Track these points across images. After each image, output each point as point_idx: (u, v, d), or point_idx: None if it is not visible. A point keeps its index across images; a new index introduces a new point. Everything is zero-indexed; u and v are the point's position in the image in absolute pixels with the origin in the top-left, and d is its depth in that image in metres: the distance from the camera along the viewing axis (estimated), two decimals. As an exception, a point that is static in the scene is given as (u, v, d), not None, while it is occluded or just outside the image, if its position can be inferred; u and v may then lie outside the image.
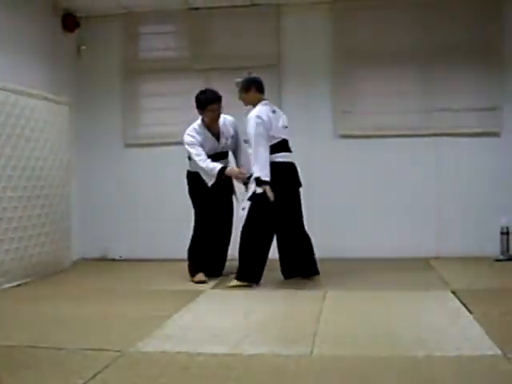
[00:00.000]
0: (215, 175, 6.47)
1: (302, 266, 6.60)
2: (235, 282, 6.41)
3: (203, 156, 6.53)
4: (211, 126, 6.76)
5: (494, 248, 7.77)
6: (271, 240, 6.48)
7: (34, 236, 7.04)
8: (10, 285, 6.56)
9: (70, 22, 8.24)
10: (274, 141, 6.35)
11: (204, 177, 6.58)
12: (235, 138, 6.94)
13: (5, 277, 6.51)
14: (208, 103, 6.66)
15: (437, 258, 7.79)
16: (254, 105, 6.50)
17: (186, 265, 6.86)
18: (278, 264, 6.61)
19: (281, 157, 6.38)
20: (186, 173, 6.91)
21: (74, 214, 7.99)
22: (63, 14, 8.18)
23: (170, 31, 8.78)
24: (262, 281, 6.41)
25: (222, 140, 6.82)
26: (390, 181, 8.03)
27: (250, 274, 6.43)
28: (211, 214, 6.83)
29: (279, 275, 6.57)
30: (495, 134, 7.96)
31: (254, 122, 6.28)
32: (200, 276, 6.74)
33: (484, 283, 6.40)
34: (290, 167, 6.47)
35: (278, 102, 7.63)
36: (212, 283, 6.61)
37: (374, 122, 8.11)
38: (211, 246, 6.92)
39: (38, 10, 7.68)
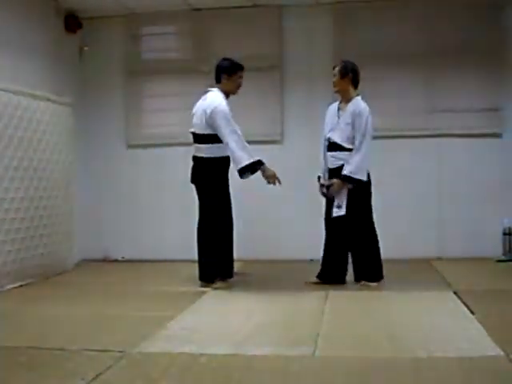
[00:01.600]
0: (248, 163, 6.14)
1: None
2: (372, 284, 6.36)
3: (240, 135, 6.19)
4: (233, 94, 6.55)
5: (496, 249, 7.78)
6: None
7: (36, 237, 7.05)
8: (12, 286, 6.57)
9: (72, 23, 8.25)
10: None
11: (233, 160, 6.24)
12: None
13: (7, 278, 6.51)
14: (238, 68, 6.53)
15: (439, 259, 7.80)
16: (343, 95, 6.44)
17: (189, 265, 6.82)
18: (276, 264, 6.61)
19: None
20: (196, 160, 6.57)
21: (76, 215, 7.99)
22: (66, 15, 8.19)
23: (172, 32, 8.82)
24: (264, 281, 6.40)
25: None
26: (392, 181, 8.02)
27: (380, 270, 6.44)
28: (227, 207, 6.56)
29: (280, 276, 6.56)
30: (497, 135, 7.97)
31: (368, 119, 6.30)
32: (222, 284, 6.45)
33: (486, 284, 6.41)
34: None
35: (281, 103, 7.65)
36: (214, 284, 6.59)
37: (375, 122, 8.05)
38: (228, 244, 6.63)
39: (41, 12, 7.69)
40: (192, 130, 6.53)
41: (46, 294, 6.39)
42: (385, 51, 8.10)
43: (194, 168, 6.56)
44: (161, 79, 8.64)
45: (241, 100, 6.75)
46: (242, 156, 6.14)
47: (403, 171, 8.07)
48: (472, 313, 5.06)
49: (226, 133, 6.16)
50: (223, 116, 6.20)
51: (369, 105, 7.97)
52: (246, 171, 6.17)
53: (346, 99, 6.39)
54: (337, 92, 6.49)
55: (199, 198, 6.56)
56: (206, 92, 6.55)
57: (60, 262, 7.57)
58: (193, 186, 6.56)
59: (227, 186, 6.55)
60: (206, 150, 6.41)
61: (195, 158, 6.55)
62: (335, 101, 6.61)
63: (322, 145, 6.55)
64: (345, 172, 6.18)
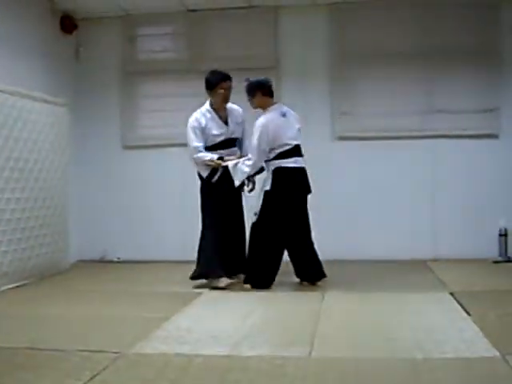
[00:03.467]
0: (206, 166, 6.47)
1: (307, 271, 6.54)
2: (245, 286, 6.40)
3: (196, 144, 6.52)
4: (220, 108, 6.65)
5: (492, 250, 7.79)
6: (281, 245, 6.41)
7: (32, 238, 7.04)
8: (9, 286, 6.56)
9: (68, 23, 8.25)
10: (286, 147, 6.31)
11: (198, 168, 6.56)
12: (241, 126, 6.83)
13: (3, 279, 6.51)
14: (219, 81, 6.56)
15: (435, 260, 7.80)
16: (263, 108, 6.45)
17: (185, 266, 6.82)
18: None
19: (291, 162, 6.31)
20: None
21: (72, 215, 7.99)
22: (61, 15, 8.20)
23: (168, 33, 8.81)
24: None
25: (230, 124, 6.69)
26: (389, 182, 8.04)
27: (259, 279, 6.39)
28: (221, 210, 6.62)
29: (278, 277, 6.56)
30: (494, 136, 7.98)
31: (261, 131, 6.27)
32: (225, 280, 6.49)
33: (482, 285, 6.41)
34: (300, 173, 6.40)
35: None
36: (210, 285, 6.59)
37: (372, 123, 8.12)
38: (229, 244, 6.68)
39: (36, 12, 7.69)
40: None
41: (42, 295, 6.38)
42: (381, 52, 8.10)
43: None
44: (157, 80, 8.64)
45: (236, 101, 6.74)
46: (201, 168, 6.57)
47: (400, 172, 8.07)
48: (468, 314, 5.06)
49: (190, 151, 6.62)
50: (188, 130, 6.59)
51: (365, 106, 8.03)
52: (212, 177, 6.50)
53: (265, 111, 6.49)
54: (256, 109, 6.55)
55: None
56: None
57: (56, 262, 7.56)
58: (191, 188, 6.62)
59: (227, 192, 6.58)
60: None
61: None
62: (330, 103, 6.60)
63: None
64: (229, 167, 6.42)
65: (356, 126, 8.11)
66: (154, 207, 8.47)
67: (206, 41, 8.47)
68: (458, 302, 5.47)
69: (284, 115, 6.41)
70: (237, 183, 6.35)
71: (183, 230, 7.11)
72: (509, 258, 7.72)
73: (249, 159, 6.31)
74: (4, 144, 6.59)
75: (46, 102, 7.41)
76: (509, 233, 7.81)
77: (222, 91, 6.58)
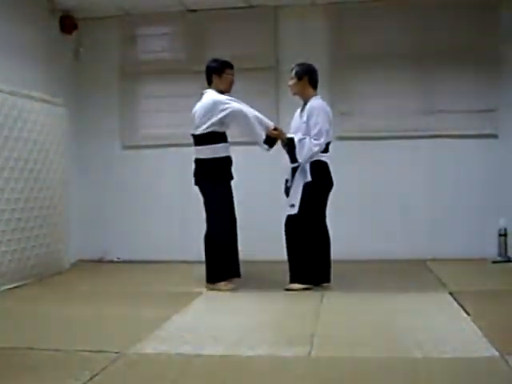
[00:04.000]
0: (267, 127, 6.30)
1: (320, 271, 6.44)
2: (297, 286, 6.27)
3: (250, 108, 6.33)
4: (228, 92, 6.59)
5: (491, 250, 7.80)
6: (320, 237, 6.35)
7: (32, 238, 7.04)
8: (8, 286, 6.56)
9: (67, 23, 8.25)
10: (328, 140, 6.30)
11: (256, 130, 6.30)
12: None
13: (2, 278, 6.51)
14: (226, 66, 6.56)
15: (434, 260, 7.80)
16: (304, 96, 6.42)
17: (185, 266, 6.82)
18: (276, 265, 6.60)
19: (326, 157, 6.30)
20: (197, 162, 6.53)
21: (72, 215, 7.99)
22: (61, 15, 8.19)
23: (168, 33, 8.81)
24: (260, 282, 6.40)
25: None
26: (388, 182, 8.05)
27: (310, 275, 6.30)
28: (231, 207, 6.56)
29: (278, 277, 6.56)
30: (493, 136, 7.98)
31: (324, 115, 6.24)
32: (228, 284, 6.44)
33: (481, 285, 6.41)
34: (329, 169, 6.37)
35: (276, 104, 7.66)
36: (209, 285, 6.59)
37: (372, 123, 8.12)
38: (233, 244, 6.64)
39: (36, 12, 7.69)
40: (192, 132, 6.53)
41: (42, 295, 6.38)
42: (380, 52, 8.11)
43: (195, 170, 6.55)
44: (156, 80, 8.64)
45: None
46: (259, 123, 6.29)
47: (399, 172, 8.08)
48: (467, 313, 5.06)
49: (235, 112, 6.30)
50: (225, 102, 6.32)
51: (364, 106, 8.03)
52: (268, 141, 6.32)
53: (306, 100, 6.41)
54: (295, 95, 6.50)
55: (204, 201, 6.53)
56: (201, 94, 6.55)
57: (56, 262, 7.56)
58: (191, 188, 6.56)
59: (229, 186, 6.54)
60: (206, 151, 6.41)
61: (196, 160, 6.53)
62: (330, 103, 6.60)
63: None
64: (296, 140, 6.23)
65: (356, 126, 8.12)
66: (154, 207, 8.47)
67: (206, 41, 8.47)
68: (458, 302, 5.47)
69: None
70: (301, 160, 6.20)
71: (183, 229, 7.11)
72: (508, 257, 7.72)
73: (316, 138, 6.18)
74: (4, 144, 6.59)
75: (45, 102, 7.42)
76: (508, 233, 7.81)
77: (230, 76, 6.58)
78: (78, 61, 8.60)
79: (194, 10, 8.37)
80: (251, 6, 8.23)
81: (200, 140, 6.44)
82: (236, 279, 6.51)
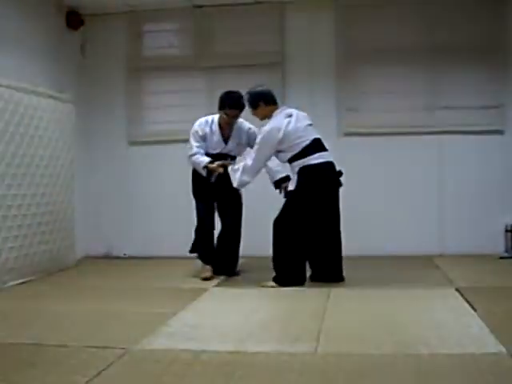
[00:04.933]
0: (203, 170, 6.55)
1: (328, 270, 6.49)
2: (271, 284, 6.31)
3: (196, 149, 6.60)
4: (224, 127, 6.71)
5: (498, 245, 7.79)
6: (305, 240, 6.32)
7: (38, 234, 7.05)
8: (15, 282, 6.57)
9: (74, 19, 8.26)
10: (303, 144, 6.23)
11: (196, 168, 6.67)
12: (244, 147, 6.87)
13: (9, 275, 6.52)
14: (227, 106, 6.59)
15: (441, 256, 7.79)
16: (269, 117, 6.41)
17: (191, 262, 6.84)
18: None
19: (315, 158, 6.22)
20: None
21: (78, 211, 8.00)
22: (67, 11, 8.20)
23: (174, 29, 8.83)
24: (266, 279, 6.40)
25: (230, 144, 6.76)
26: (394, 178, 8.04)
27: (286, 277, 6.30)
28: (211, 206, 6.86)
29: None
30: (499, 132, 7.97)
31: (262, 138, 6.28)
32: (205, 272, 6.74)
33: (488, 281, 6.40)
34: (326, 167, 6.29)
35: (282, 100, 7.63)
36: (216, 281, 6.59)
37: (377, 119, 8.11)
38: (222, 243, 6.96)
39: (42, 8, 7.69)
40: None
41: (48, 291, 6.39)
42: (386, 48, 8.10)
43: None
44: (162, 76, 8.65)
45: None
46: (198, 167, 6.68)
47: (405, 168, 8.07)
48: (474, 310, 5.05)
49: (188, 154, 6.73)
50: (191, 133, 6.73)
51: (370, 102, 8.03)
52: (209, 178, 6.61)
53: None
54: (263, 120, 6.51)
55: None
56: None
57: (62, 258, 7.57)
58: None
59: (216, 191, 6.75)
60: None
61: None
62: (336, 100, 6.59)
63: None
64: (229, 167, 6.50)
65: (362, 122, 8.10)
66: (161, 203, 8.47)
67: (212, 37, 8.47)
68: (464, 298, 5.46)
69: (290, 115, 6.33)
70: (235, 186, 6.40)
71: (190, 225, 7.09)
72: (515, 253, 7.73)
73: (242, 166, 6.33)
74: (10, 140, 6.60)
75: (51, 98, 7.42)
76: (515, 229, 7.82)
77: (225, 117, 6.63)
78: (84, 57, 8.61)
79: (201, 6, 8.37)
80: (258, 2, 8.22)
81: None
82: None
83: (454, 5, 7.96)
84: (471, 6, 7.96)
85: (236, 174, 6.30)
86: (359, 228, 7.89)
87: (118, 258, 8.49)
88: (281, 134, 6.19)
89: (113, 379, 3.62)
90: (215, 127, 6.68)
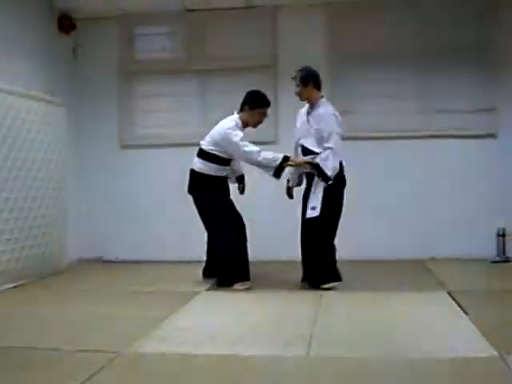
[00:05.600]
0: (277, 164, 6.27)
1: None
2: (327, 285, 6.29)
3: (256, 148, 6.31)
4: (251, 127, 6.61)
5: (490, 250, 7.79)
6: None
7: (30, 237, 7.04)
8: (6, 286, 6.55)
9: (66, 23, 8.25)
10: (340, 141, 6.30)
11: (263, 169, 6.37)
12: None
13: (1, 278, 6.50)
14: (265, 104, 6.57)
15: (432, 260, 7.80)
16: (311, 100, 6.40)
17: (183, 266, 6.80)
18: (272, 265, 6.60)
19: (342, 157, 6.33)
20: (191, 172, 6.62)
21: (70, 215, 7.98)
22: (59, 15, 8.18)
23: (166, 33, 8.82)
24: (258, 282, 6.40)
25: None
26: (387, 182, 8.05)
27: (334, 273, 6.34)
28: (234, 209, 6.60)
29: (276, 277, 6.57)
30: (492, 136, 7.98)
31: (333, 119, 6.24)
32: (248, 283, 6.44)
33: (480, 285, 6.43)
34: (343, 166, 6.41)
35: (274, 103, 7.64)
36: (208, 285, 6.58)
37: (371, 123, 8.11)
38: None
39: (34, 12, 7.68)
40: (201, 142, 6.60)
41: (41, 295, 6.38)
42: (379, 51, 8.10)
43: (190, 180, 6.64)
44: (154, 80, 8.64)
45: (233, 101, 6.74)
46: (268, 163, 6.29)
47: (398, 171, 8.07)
48: (466, 313, 5.06)
49: (241, 155, 6.36)
50: (234, 144, 6.31)
51: (363, 106, 8.03)
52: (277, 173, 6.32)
53: (314, 104, 6.40)
54: (303, 100, 6.48)
55: (197, 209, 6.61)
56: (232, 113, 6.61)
57: (55, 262, 7.56)
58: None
59: (224, 192, 6.62)
60: (200, 165, 6.51)
61: (191, 171, 6.61)
62: (330, 103, 6.60)
63: (294, 149, 6.57)
64: (317, 160, 6.17)
65: (355, 125, 8.07)
66: (153, 207, 8.46)
67: (205, 41, 8.47)
68: (456, 302, 5.47)
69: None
70: (330, 174, 6.16)
71: (182, 229, 7.10)
72: (507, 258, 7.73)
73: (328, 146, 6.18)
74: (2, 143, 6.59)
75: (43, 101, 7.41)
76: (507, 233, 7.80)
77: (261, 116, 6.57)
78: (76, 60, 8.59)
79: (193, 10, 8.36)
80: (250, 6, 8.22)
81: (202, 153, 6.53)
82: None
83: (447, 8, 7.98)
84: (464, 10, 7.98)
85: (327, 162, 6.15)
86: (351, 232, 7.88)
87: (110, 261, 8.47)
88: (338, 121, 6.28)
89: (104, 382, 3.62)
90: (242, 131, 6.50)
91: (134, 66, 8.66)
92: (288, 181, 6.65)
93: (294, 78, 6.46)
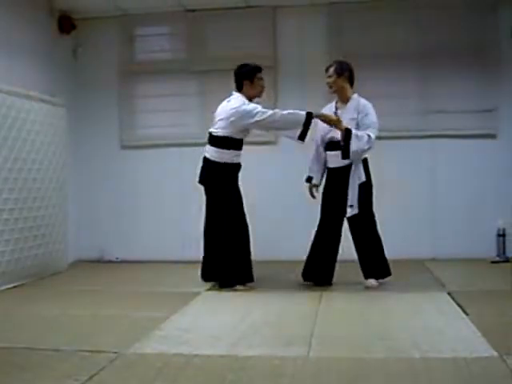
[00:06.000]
0: (303, 120, 6.16)
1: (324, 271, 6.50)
2: (374, 282, 6.38)
3: (274, 110, 6.25)
4: (257, 98, 6.55)
5: (490, 250, 7.79)
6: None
7: (30, 238, 7.04)
8: (6, 286, 6.56)
9: (66, 23, 8.25)
10: None
11: (288, 132, 6.32)
12: None
13: (1, 278, 6.50)
14: (257, 70, 6.50)
15: (433, 260, 7.80)
16: (342, 93, 6.40)
17: (183, 266, 6.79)
18: (272, 265, 6.59)
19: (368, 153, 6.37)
20: (204, 161, 6.49)
21: (70, 215, 7.98)
22: (59, 15, 8.19)
23: (166, 33, 8.83)
24: (258, 282, 6.40)
25: None
26: (387, 182, 8.02)
27: (387, 268, 6.44)
28: (243, 217, 6.48)
29: (277, 277, 6.56)
30: (492, 136, 7.99)
31: (374, 111, 6.37)
32: (242, 288, 6.39)
33: (480, 285, 6.42)
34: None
35: (274, 104, 7.65)
36: (208, 285, 6.57)
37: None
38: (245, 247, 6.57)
39: (35, 12, 7.68)
40: (210, 129, 6.50)
41: (41, 295, 6.38)
42: (378, 52, 8.11)
43: (202, 168, 6.53)
44: (155, 80, 8.63)
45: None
46: (295, 118, 6.20)
47: (398, 171, 8.06)
48: (466, 314, 5.06)
49: (263, 119, 6.20)
50: (249, 112, 6.22)
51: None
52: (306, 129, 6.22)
53: (345, 98, 6.39)
54: (334, 92, 6.46)
55: (207, 200, 6.53)
56: (230, 94, 6.52)
57: (54, 262, 7.56)
58: (189, 188, 6.54)
59: (237, 188, 6.54)
60: (214, 153, 6.41)
61: (204, 159, 6.51)
62: (329, 102, 6.60)
63: (316, 146, 6.55)
64: (353, 132, 6.18)
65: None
66: (153, 207, 8.46)
67: (205, 41, 8.48)
68: (456, 302, 5.47)
69: None
70: (354, 148, 6.17)
71: (182, 229, 7.10)
72: (507, 258, 7.72)
73: (371, 136, 6.25)
74: (2, 144, 6.59)
75: (43, 102, 7.41)
76: (507, 233, 7.81)
77: (261, 81, 6.53)
78: (76, 61, 8.60)
79: (193, 10, 8.37)
80: (250, 6, 8.23)
81: (212, 140, 6.43)
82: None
83: (447, 9, 7.97)
84: (464, 10, 7.98)
85: (359, 140, 6.16)
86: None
87: (110, 262, 8.47)
88: None
89: (105, 383, 3.62)
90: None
91: (135, 66, 8.67)
92: (310, 178, 6.62)
93: (328, 68, 6.44)
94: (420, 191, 8.09)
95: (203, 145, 6.56)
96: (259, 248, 6.69)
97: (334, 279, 6.47)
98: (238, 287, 6.35)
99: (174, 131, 7.65)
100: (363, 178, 6.29)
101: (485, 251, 7.76)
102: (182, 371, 3.80)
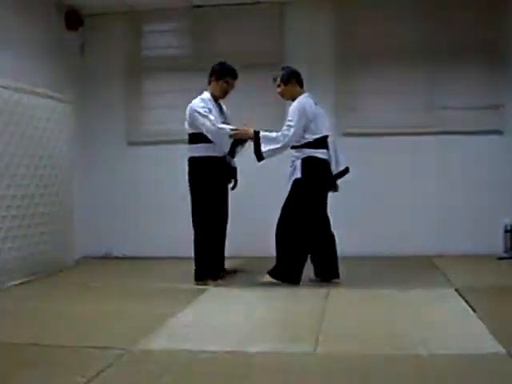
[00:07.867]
0: (228, 134, 6.32)
1: (324, 267, 6.50)
2: (268, 278, 6.37)
3: (215, 121, 6.37)
4: (220, 98, 6.70)
5: (497, 246, 7.78)
6: (309, 237, 6.33)
7: (37, 234, 7.05)
8: (13, 283, 6.57)
9: (73, 19, 8.25)
10: (317, 135, 6.26)
11: (221, 146, 6.41)
12: (229, 119, 6.81)
13: (8, 275, 6.51)
14: (229, 74, 6.59)
15: (440, 256, 7.78)
16: (294, 99, 6.38)
17: (189, 262, 6.78)
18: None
19: (321, 153, 6.26)
20: (187, 161, 6.63)
21: (77, 212, 7.99)
22: (66, 11, 8.19)
23: (173, 29, 8.80)
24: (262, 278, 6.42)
25: (226, 116, 6.76)
26: (393, 179, 8.04)
27: (287, 273, 6.33)
28: (214, 205, 6.60)
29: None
30: (498, 132, 7.97)
31: (300, 108, 6.24)
32: (213, 283, 6.49)
33: (487, 281, 6.40)
34: (327, 166, 6.33)
35: (282, 100, 7.63)
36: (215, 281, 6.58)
37: (376, 120, 8.11)
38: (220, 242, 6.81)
39: (42, 8, 7.69)
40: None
41: (47, 291, 6.39)
42: (385, 48, 8.10)
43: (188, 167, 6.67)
44: (161, 76, 8.64)
45: (241, 97, 6.75)
46: (221, 144, 6.40)
47: (404, 168, 8.06)
48: (473, 310, 5.05)
49: (202, 128, 6.41)
50: (196, 113, 6.44)
51: (370, 102, 8.00)
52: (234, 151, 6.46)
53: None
54: (287, 99, 6.53)
55: (191, 197, 6.67)
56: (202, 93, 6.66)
57: (61, 259, 7.57)
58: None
59: (219, 185, 6.66)
60: (192, 150, 6.58)
61: (188, 159, 6.65)
62: (335, 100, 6.60)
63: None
64: (261, 134, 6.29)
65: (361, 122, 8.10)
66: (159, 203, 8.46)
67: (212, 37, 8.47)
68: (464, 299, 5.46)
69: (316, 104, 6.40)
70: (264, 150, 6.22)
71: (188, 225, 7.07)
72: (514, 254, 7.73)
73: (283, 135, 6.21)
74: (9, 140, 6.60)
75: (50, 98, 7.42)
76: (514, 229, 7.82)
77: (226, 85, 6.62)
78: (83, 57, 8.60)
79: (200, 6, 8.36)
80: (257, 2, 8.22)
81: (189, 138, 6.63)
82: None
83: (454, 5, 7.95)
84: (471, 7, 7.95)
85: (271, 144, 6.21)
86: (357, 228, 7.89)
87: (117, 258, 8.48)
88: (312, 111, 6.27)
89: (112, 380, 3.62)
90: (211, 102, 6.60)
91: (142, 62, 8.68)
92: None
93: (274, 81, 6.51)
94: (426, 187, 8.07)
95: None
96: (268, 244, 6.67)
97: (341, 276, 6.45)
98: (209, 282, 6.46)
99: (181, 128, 7.60)
100: (298, 175, 6.25)
101: (492, 247, 7.76)
102: (189, 367, 3.81)
